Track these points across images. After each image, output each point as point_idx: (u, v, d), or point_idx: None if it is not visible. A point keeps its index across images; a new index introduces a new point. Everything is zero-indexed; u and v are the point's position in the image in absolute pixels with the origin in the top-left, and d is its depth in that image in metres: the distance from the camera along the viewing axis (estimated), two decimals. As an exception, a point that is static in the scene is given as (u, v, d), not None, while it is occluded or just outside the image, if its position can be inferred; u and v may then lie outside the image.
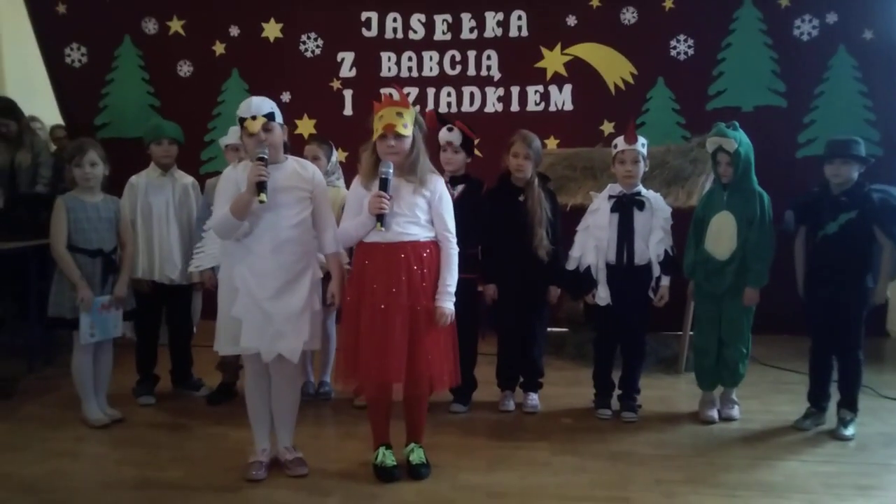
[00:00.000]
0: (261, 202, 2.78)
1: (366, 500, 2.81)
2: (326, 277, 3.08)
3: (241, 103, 2.93)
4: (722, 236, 3.62)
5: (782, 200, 3.72)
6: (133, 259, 3.75)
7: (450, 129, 3.66)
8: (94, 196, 3.58)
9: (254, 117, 2.84)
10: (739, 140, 3.51)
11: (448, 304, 2.90)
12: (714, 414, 3.75)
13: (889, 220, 3.44)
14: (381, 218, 2.83)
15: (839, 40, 5.60)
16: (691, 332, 4.41)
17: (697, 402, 3.85)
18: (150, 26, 6.10)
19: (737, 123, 3.61)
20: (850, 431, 3.50)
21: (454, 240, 2.96)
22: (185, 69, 6.12)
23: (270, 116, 2.88)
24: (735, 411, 3.77)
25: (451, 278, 2.92)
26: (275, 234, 2.88)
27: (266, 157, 2.82)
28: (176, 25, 6.09)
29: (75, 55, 6.10)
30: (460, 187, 3.66)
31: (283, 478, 2.99)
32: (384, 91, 5.56)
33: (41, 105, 5.93)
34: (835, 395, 3.64)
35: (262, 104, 2.89)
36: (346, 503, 2.79)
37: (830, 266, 3.49)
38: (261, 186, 2.77)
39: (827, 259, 3.51)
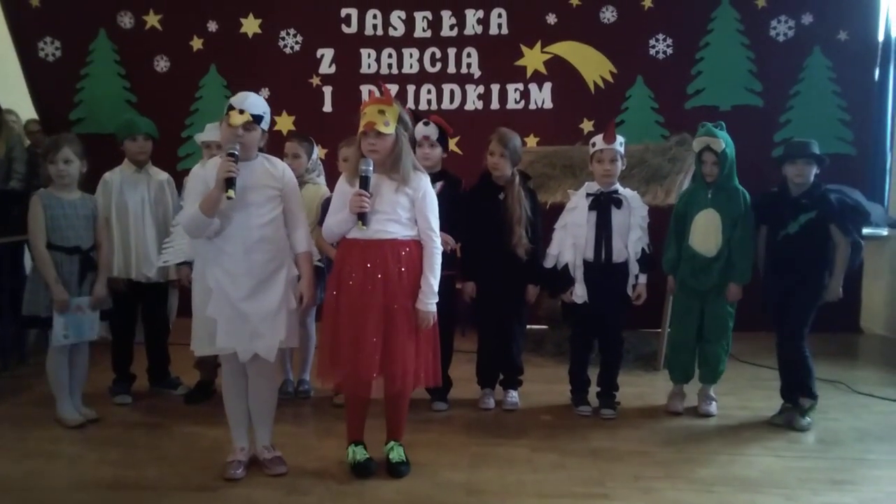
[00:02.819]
0: (228, 198, 2.74)
1: (345, 498, 2.80)
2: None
3: (239, 92, 2.89)
4: (708, 234, 3.67)
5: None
6: (110, 258, 3.70)
7: (426, 124, 3.65)
8: (70, 193, 3.52)
9: (241, 111, 2.81)
10: (726, 140, 3.58)
11: (430, 306, 2.90)
12: (679, 406, 3.84)
13: (846, 218, 3.56)
14: (362, 216, 2.82)
15: (814, 41, 5.69)
16: (669, 329, 4.45)
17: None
18: (126, 20, 6.03)
19: (723, 123, 3.67)
20: (805, 421, 3.58)
21: (438, 239, 2.95)
22: (161, 64, 6.06)
23: (258, 119, 2.84)
24: (712, 407, 3.81)
25: (433, 278, 2.90)
26: (246, 233, 2.84)
27: (237, 153, 2.78)
28: (152, 20, 6.03)
29: (49, 49, 6.01)
30: (438, 184, 3.65)
31: (262, 477, 2.97)
32: (366, 88, 5.68)
33: (15, 99, 5.83)
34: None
35: (256, 103, 2.85)
36: (325, 502, 2.77)
37: (792, 264, 3.59)
38: (229, 182, 2.73)
39: (788, 257, 3.60)
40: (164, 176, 4.03)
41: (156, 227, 3.91)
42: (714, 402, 3.83)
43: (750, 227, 3.65)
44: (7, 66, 6.03)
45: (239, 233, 2.84)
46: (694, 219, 3.72)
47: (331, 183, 3.28)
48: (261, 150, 2.99)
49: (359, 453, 3.02)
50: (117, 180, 3.88)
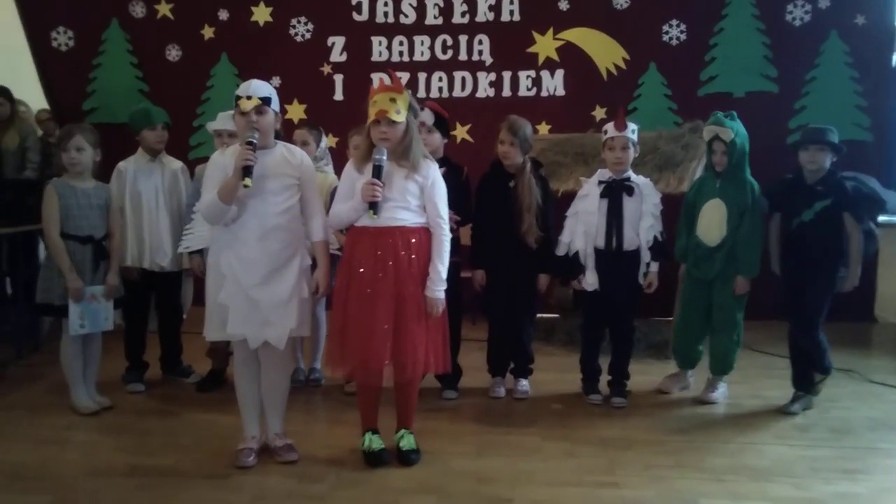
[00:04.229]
0: (245, 187, 2.75)
1: (356, 485, 2.82)
2: (316, 264, 3.07)
3: (242, 83, 2.91)
4: (712, 223, 3.66)
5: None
6: (122, 248, 3.72)
7: (421, 109, 3.62)
8: (84, 182, 3.54)
9: (249, 97, 2.82)
10: (736, 130, 3.56)
11: (439, 293, 2.90)
12: (672, 388, 3.92)
13: (861, 206, 3.52)
14: (373, 205, 2.81)
15: (831, 26, 5.60)
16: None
17: (686, 386, 3.90)
18: (138, 10, 6.04)
19: (735, 113, 3.64)
20: (794, 407, 3.61)
21: (447, 226, 2.95)
22: (173, 53, 6.07)
23: (266, 101, 2.85)
24: (715, 395, 3.79)
25: (442, 265, 2.91)
26: (261, 220, 2.85)
27: (255, 141, 2.79)
28: (164, 9, 6.03)
29: (62, 39, 6.04)
30: (441, 170, 3.62)
31: (274, 464, 2.99)
32: (377, 76, 5.67)
33: (27, 89, 5.87)
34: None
35: (260, 87, 2.87)
36: (336, 489, 2.79)
37: (806, 252, 3.56)
38: (247, 171, 2.75)
39: (804, 245, 3.57)
40: (177, 165, 4.05)
41: (169, 216, 3.93)
42: (717, 391, 3.81)
43: (757, 219, 3.62)
44: (18, 57, 6.06)
45: (254, 220, 2.85)
46: (702, 208, 3.71)
47: (339, 171, 3.28)
48: (278, 136, 3.00)
49: (375, 442, 3.03)
50: (131, 169, 3.90)
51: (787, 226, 3.65)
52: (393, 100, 2.84)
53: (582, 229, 3.70)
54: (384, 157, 2.83)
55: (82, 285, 3.45)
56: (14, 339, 4.63)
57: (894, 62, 5.61)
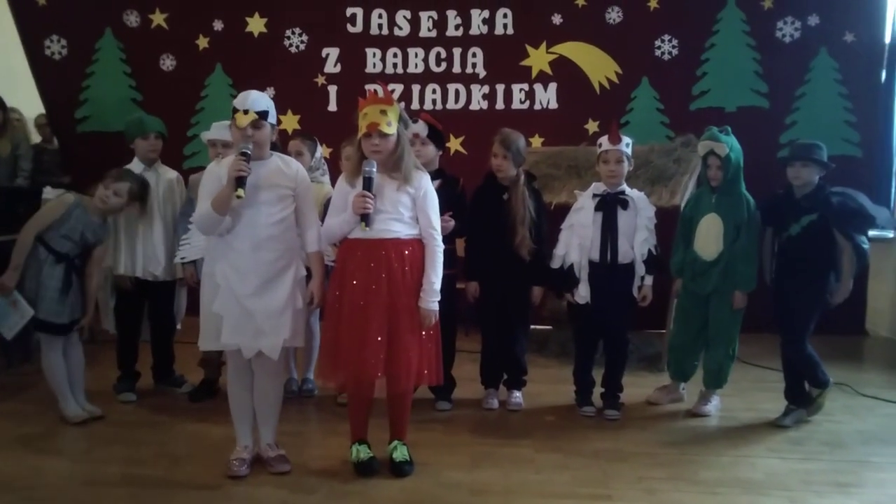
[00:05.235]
0: (238, 197, 2.75)
1: (349, 497, 2.80)
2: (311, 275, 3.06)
3: (240, 93, 2.90)
4: (709, 238, 3.69)
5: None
6: (98, 292, 3.70)
7: (414, 121, 3.63)
8: (97, 217, 3.55)
9: (246, 111, 2.81)
10: (731, 145, 3.58)
11: (433, 305, 2.90)
12: (662, 399, 3.95)
13: (846, 221, 3.54)
14: (365, 217, 2.82)
15: (820, 42, 5.67)
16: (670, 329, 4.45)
17: (677, 398, 3.91)
18: (132, 19, 6.05)
19: (729, 128, 3.67)
20: (787, 420, 3.62)
21: (439, 237, 2.95)
22: (167, 63, 6.07)
23: (263, 115, 2.84)
24: (708, 408, 3.80)
25: (435, 277, 2.91)
26: (254, 231, 2.85)
27: (249, 152, 2.79)
28: (158, 18, 6.04)
29: (55, 47, 6.03)
30: (436, 182, 3.63)
31: (266, 475, 2.97)
32: (369, 87, 5.69)
33: (21, 97, 5.86)
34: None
35: (258, 100, 2.85)
36: (329, 500, 2.78)
37: (794, 265, 3.59)
38: (240, 181, 2.74)
39: (792, 259, 3.61)
40: (173, 174, 4.05)
41: (163, 225, 3.92)
42: (710, 403, 3.82)
43: (754, 234, 3.65)
44: (14, 64, 6.05)
45: (248, 230, 2.85)
46: (699, 223, 3.74)
47: (334, 182, 3.28)
48: (275, 147, 3.00)
49: (362, 452, 3.02)
50: (126, 178, 3.89)
51: (778, 240, 3.69)
52: (384, 112, 2.84)
53: (577, 242, 3.71)
54: (374, 169, 2.84)
55: (13, 287, 3.39)
56: (4, 349, 4.58)
57: (883, 79, 5.68)
